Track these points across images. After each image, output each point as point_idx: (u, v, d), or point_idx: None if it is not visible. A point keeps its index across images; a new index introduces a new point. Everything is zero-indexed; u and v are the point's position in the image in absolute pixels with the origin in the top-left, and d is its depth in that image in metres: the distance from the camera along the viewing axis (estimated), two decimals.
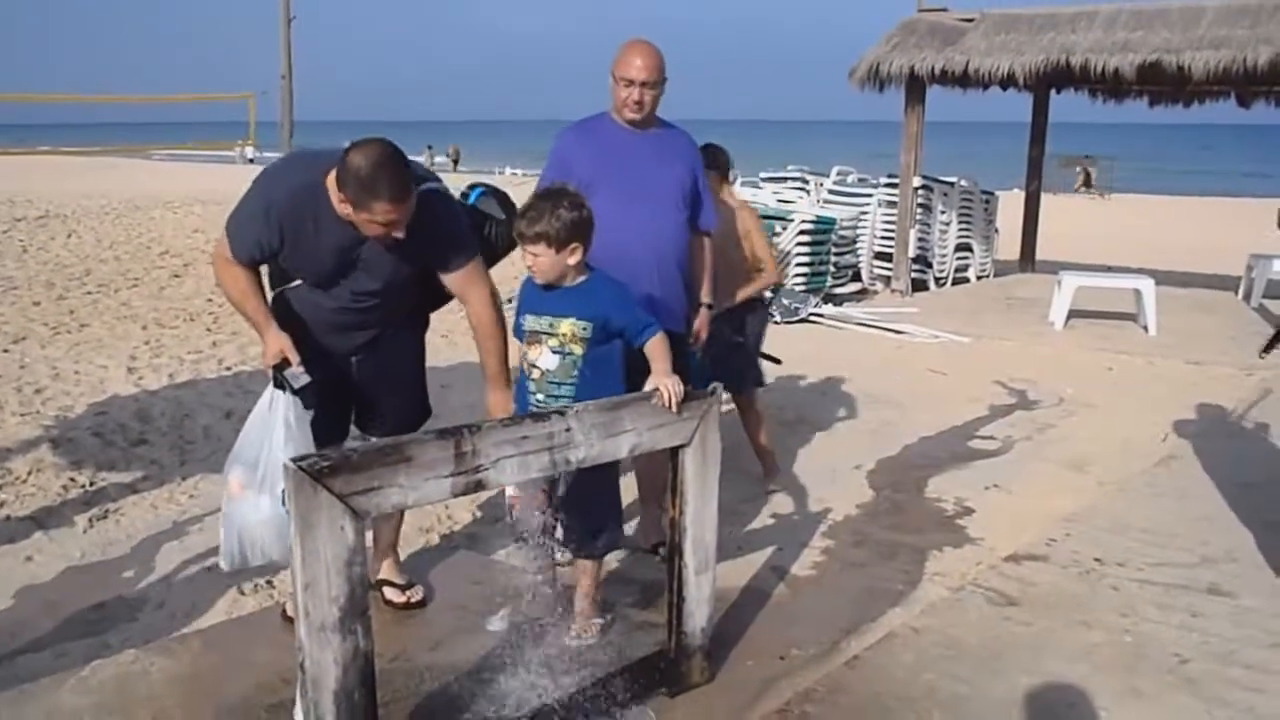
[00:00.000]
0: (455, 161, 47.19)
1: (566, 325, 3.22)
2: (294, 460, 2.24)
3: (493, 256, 3.67)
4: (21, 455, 5.35)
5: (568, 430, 2.72)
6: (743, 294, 5.03)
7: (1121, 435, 6.35)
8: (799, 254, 10.61)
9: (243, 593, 3.92)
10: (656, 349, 3.23)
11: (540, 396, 3.27)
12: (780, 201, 11.99)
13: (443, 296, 3.61)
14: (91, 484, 5.03)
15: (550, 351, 3.25)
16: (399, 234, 3.18)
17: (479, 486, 2.60)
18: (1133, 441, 6.22)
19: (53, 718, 3.00)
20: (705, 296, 4.26)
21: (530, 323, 3.30)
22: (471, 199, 3.75)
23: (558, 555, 3.42)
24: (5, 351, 7.42)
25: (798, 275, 10.60)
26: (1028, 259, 14.47)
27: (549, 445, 2.69)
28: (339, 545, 2.29)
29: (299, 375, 3.29)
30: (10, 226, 13.09)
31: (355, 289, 3.40)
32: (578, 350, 3.22)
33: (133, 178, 25.18)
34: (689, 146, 4.15)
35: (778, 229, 10.35)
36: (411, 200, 3.17)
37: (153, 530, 4.47)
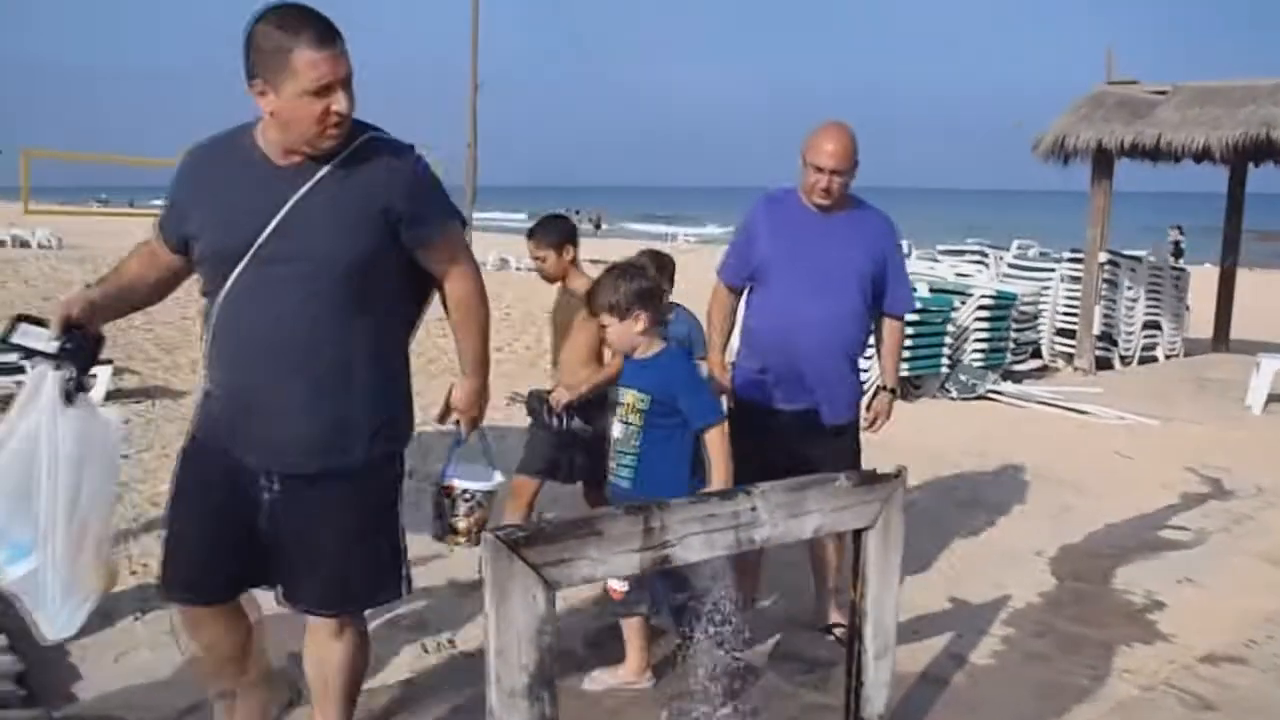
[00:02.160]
0: (597, 225, 48.22)
1: (629, 395, 3.34)
2: (493, 531, 2.33)
3: None
4: None
5: (753, 509, 2.75)
6: (590, 384, 4.20)
7: None
8: (977, 329, 10.41)
9: (426, 650, 4.04)
10: (715, 444, 3.30)
11: (612, 464, 3.43)
12: (958, 275, 11.83)
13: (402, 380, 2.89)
14: None
15: (618, 420, 3.35)
16: (341, 108, 2.51)
17: (665, 561, 2.65)
18: None
19: None
20: (889, 380, 4.26)
21: (611, 392, 3.48)
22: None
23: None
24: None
25: (976, 351, 10.39)
26: (1221, 338, 13.84)
27: (735, 524, 2.71)
28: (531, 614, 2.36)
29: (20, 329, 2.56)
30: None
31: (275, 256, 2.57)
32: (636, 422, 3.31)
33: None
34: (880, 228, 4.12)
35: (956, 304, 10.19)
36: (343, 48, 2.51)
37: None
